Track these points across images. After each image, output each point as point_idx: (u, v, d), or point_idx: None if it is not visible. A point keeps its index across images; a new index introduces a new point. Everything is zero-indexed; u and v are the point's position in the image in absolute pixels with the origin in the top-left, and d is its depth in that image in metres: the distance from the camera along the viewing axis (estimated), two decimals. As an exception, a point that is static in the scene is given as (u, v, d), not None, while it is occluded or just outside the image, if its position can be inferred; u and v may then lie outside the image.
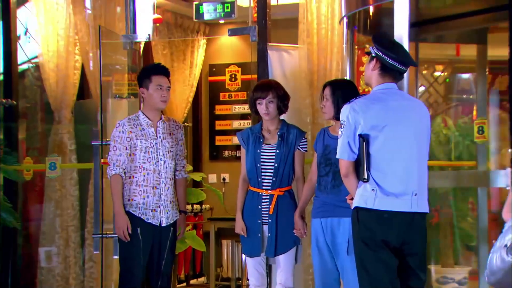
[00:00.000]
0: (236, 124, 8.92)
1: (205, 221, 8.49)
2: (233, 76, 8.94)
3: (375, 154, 4.03)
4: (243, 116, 8.91)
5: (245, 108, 8.85)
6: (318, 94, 6.24)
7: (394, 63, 4.07)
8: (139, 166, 5.01)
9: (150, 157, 5.02)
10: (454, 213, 7.16)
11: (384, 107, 4.06)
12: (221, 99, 8.99)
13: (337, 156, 4.14)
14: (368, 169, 4.04)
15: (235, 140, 8.88)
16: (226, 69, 8.96)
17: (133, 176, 5.01)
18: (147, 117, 5.08)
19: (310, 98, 6.35)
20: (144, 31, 6.69)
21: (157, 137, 5.06)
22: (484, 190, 6.31)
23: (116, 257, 5.62)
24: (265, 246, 5.04)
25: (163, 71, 5.11)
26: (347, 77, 5.63)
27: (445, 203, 7.00)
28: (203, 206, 8.37)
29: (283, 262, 5.04)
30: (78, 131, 7.20)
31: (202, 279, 8.90)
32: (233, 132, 8.94)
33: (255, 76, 6.17)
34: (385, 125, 4.02)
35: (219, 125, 9.02)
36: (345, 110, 4.10)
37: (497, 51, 6.51)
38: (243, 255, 7.87)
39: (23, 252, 7.17)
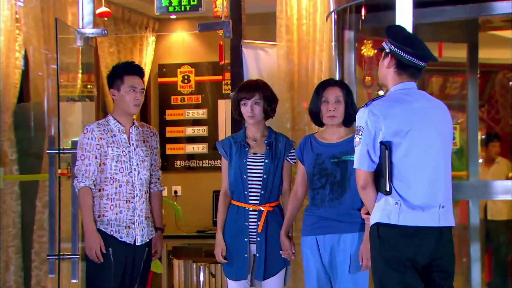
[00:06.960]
0: (189, 131, 8.75)
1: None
2: (186, 77, 8.76)
3: (398, 163, 3.89)
4: (196, 122, 8.72)
5: (199, 113, 8.68)
6: (298, 97, 6.17)
7: (411, 58, 3.94)
8: (110, 178, 4.78)
9: (122, 167, 4.80)
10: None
11: (406, 110, 3.93)
12: (172, 103, 8.81)
13: (355, 166, 4.00)
14: (391, 180, 3.89)
15: (189, 148, 8.80)
16: (178, 70, 8.79)
17: (103, 189, 4.78)
18: (118, 122, 4.86)
19: (290, 102, 6.23)
20: (92, 25, 6.43)
21: (130, 144, 4.85)
22: (476, 203, 6.29)
23: (75, 281, 5.40)
24: (251, 268, 4.85)
25: (137, 71, 4.92)
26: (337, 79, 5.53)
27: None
28: (155, 222, 8.15)
29: (272, 285, 4.87)
30: (19, 139, 6.86)
31: (151, 303, 8.68)
32: (186, 139, 8.78)
33: (216, 77, 6.01)
34: (409, 130, 3.89)
35: (170, 131, 8.81)
36: (363, 115, 3.94)
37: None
38: (201, 277, 7.81)
39: None
